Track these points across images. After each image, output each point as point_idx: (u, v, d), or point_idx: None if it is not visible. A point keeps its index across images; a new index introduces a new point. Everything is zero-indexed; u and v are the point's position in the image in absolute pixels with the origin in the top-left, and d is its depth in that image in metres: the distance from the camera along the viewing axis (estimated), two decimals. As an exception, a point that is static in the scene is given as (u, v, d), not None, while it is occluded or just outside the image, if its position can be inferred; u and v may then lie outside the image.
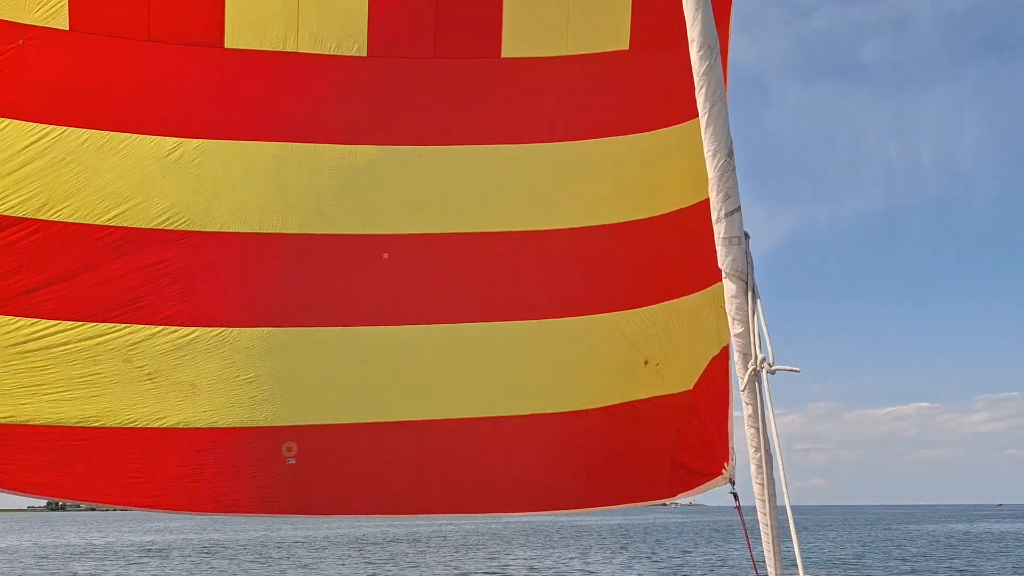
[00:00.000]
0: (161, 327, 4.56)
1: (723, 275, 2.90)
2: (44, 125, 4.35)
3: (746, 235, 2.87)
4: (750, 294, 2.82)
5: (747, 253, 2.87)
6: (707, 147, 2.82)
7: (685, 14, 2.80)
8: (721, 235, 2.83)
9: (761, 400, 2.82)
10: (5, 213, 4.34)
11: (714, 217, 2.84)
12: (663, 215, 5.06)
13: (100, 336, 4.49)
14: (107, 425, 4.53)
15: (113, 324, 4.50)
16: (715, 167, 2.77)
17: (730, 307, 2.91)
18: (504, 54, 4.83)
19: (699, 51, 2.74)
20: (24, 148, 4.33)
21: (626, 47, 4.90)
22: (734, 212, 2.76)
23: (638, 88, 4.98)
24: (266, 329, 4.69)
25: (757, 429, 2.83)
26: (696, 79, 2.79)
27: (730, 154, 2.77)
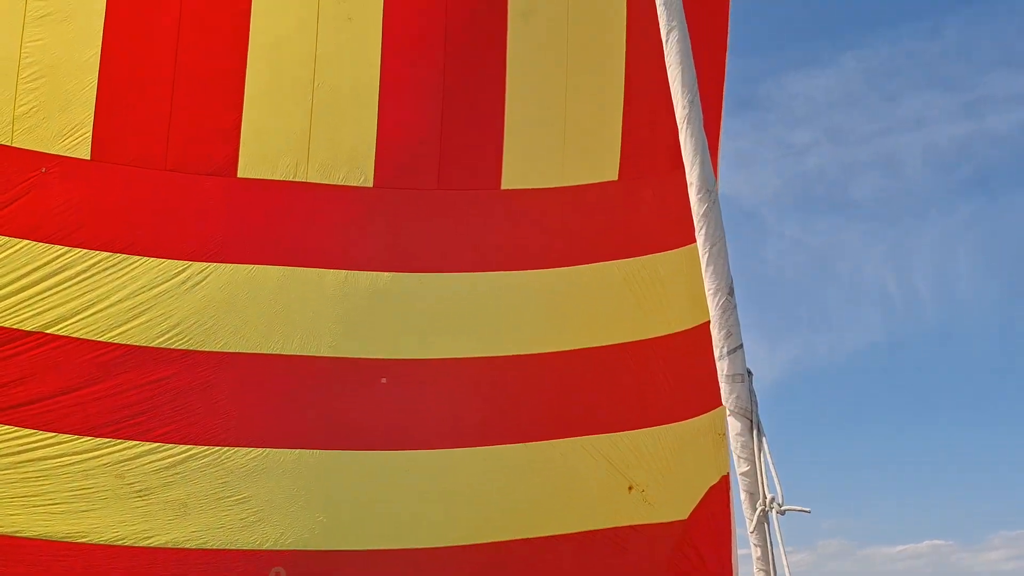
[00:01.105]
0: (155, 444, 4.46)
1: (727, 413, 2.86)
2: (59, 247, 4.39)
3: (749, 372, 2.85)
4: (755, 432, 2.77)
5: (751, 390, 2.84)
6: (708, 285, 2.84)
7: (684, 159, 2.87)
8: (724, 372, 2.80)
9: (771, 541, 2.72)
10: (15, 326, 4.33)
11: (716, 355, 2.82)
12: (655, 339, 5.04)
13: (95, 451, 4.38)
14: (94, 542, 4.36)
15: (108, 439, 4.40)
16: (716, 305, 2.78)
17: (735, 445, 2.85)
18: (503, 185, 4.93)
19: (698, 194, 2.80)
20: (39, 267, 4.36)
21: (615, 178, 5.03)
22: (736, 349, 2.75)
23: (628, 216, 5.07)
24: (261, 450, 4.57)
25: (767, 572, 2.72)
26: (696, 220, 2.84)
27: (731, 292, 2.78)
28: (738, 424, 2.78)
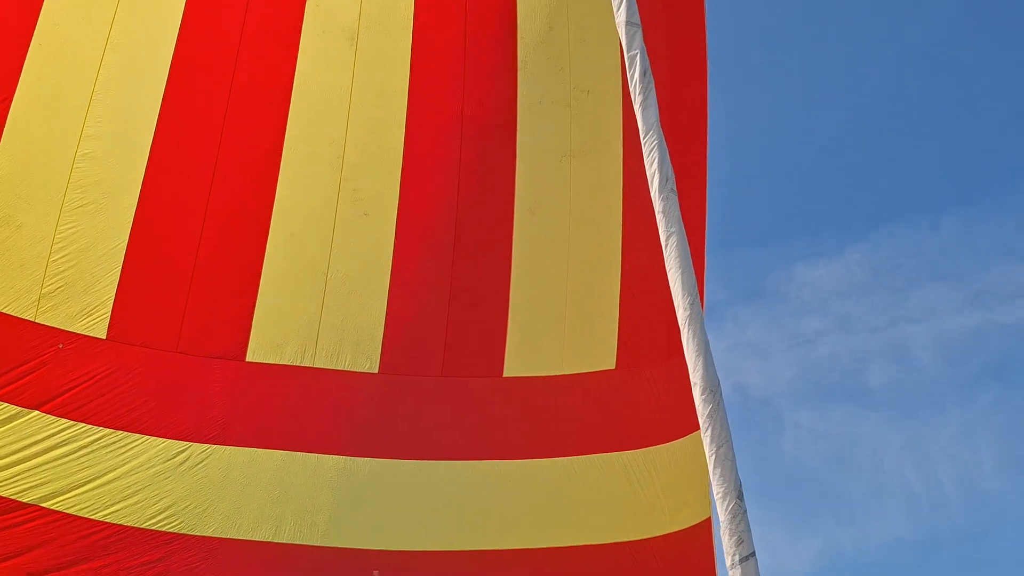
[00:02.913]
0: None
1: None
2: (65, 420, 4.29)
3: (762, 584, 2.63)
4: (773, 652, 2.52)
5: (766, 604, 2.61)
6: (716, 490, 2.67)
7: (687, 360, 2.81)
8: (737, 583, 2.59)
9: None
10: (13, 496, 4.18)
11: (728, 563, 2.62)
12: (656, 538, 4.77)
13: None
14: None
15: None
16: (726, 510, 2.60)
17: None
18: (505, 373, 4.88)
19: (702, 395, 2.72)
20: (44, 439, 4.26)
21: (612, 367, 4.98)
22: (749, 557, 2.54)
23: (626, 405, 4.95)
24: None
25: None
26: (701, 422, 2.73)
27: (740, 496, 2.61)
28: (754, 641, 2.52)
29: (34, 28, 4.40)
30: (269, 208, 4.68)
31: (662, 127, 3.30)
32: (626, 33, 3.47)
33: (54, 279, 4.41)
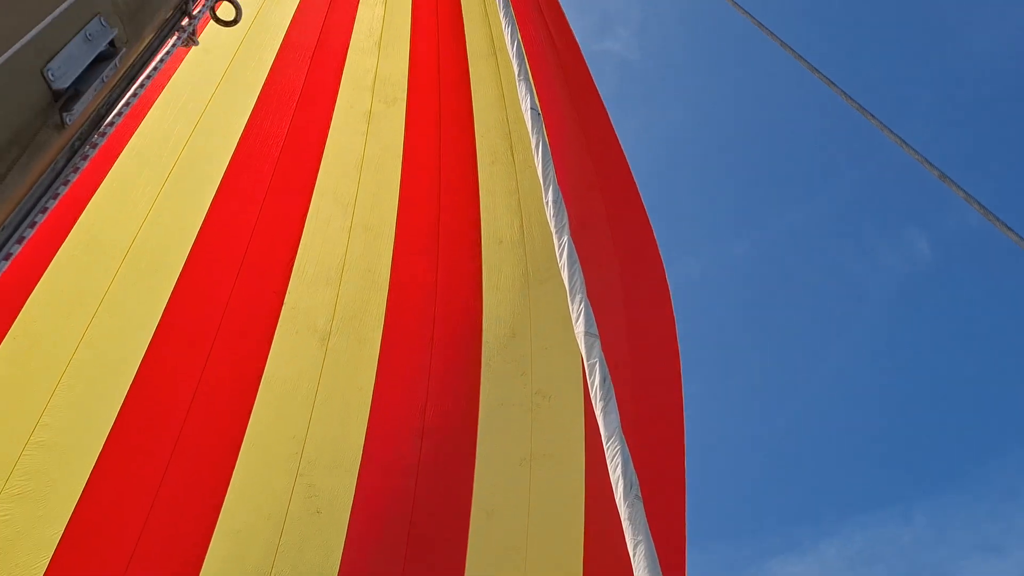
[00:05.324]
0: None
1: None
2: None
3: None
4: None
5: None
6: None
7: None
8: None
9: None
10: None
11: None
12: None
13: None
14: None
15: None
16: None
17: None
18: None
19: None
20: None
21: None
22: None
23: None
24: None
25: None
26: None
27: None
28: None
29: (12, 324, 4.42)
30: (219, 505, 4.41)
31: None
32: (585, 343, 3.57)
33: None
